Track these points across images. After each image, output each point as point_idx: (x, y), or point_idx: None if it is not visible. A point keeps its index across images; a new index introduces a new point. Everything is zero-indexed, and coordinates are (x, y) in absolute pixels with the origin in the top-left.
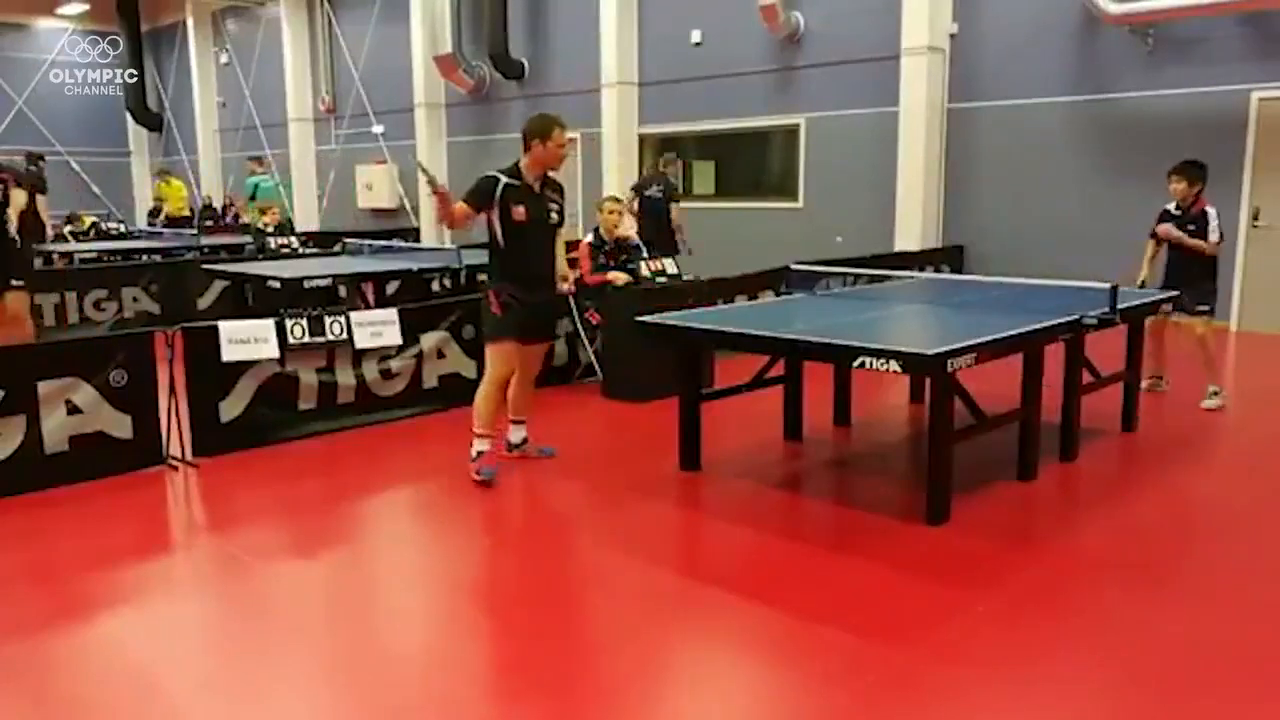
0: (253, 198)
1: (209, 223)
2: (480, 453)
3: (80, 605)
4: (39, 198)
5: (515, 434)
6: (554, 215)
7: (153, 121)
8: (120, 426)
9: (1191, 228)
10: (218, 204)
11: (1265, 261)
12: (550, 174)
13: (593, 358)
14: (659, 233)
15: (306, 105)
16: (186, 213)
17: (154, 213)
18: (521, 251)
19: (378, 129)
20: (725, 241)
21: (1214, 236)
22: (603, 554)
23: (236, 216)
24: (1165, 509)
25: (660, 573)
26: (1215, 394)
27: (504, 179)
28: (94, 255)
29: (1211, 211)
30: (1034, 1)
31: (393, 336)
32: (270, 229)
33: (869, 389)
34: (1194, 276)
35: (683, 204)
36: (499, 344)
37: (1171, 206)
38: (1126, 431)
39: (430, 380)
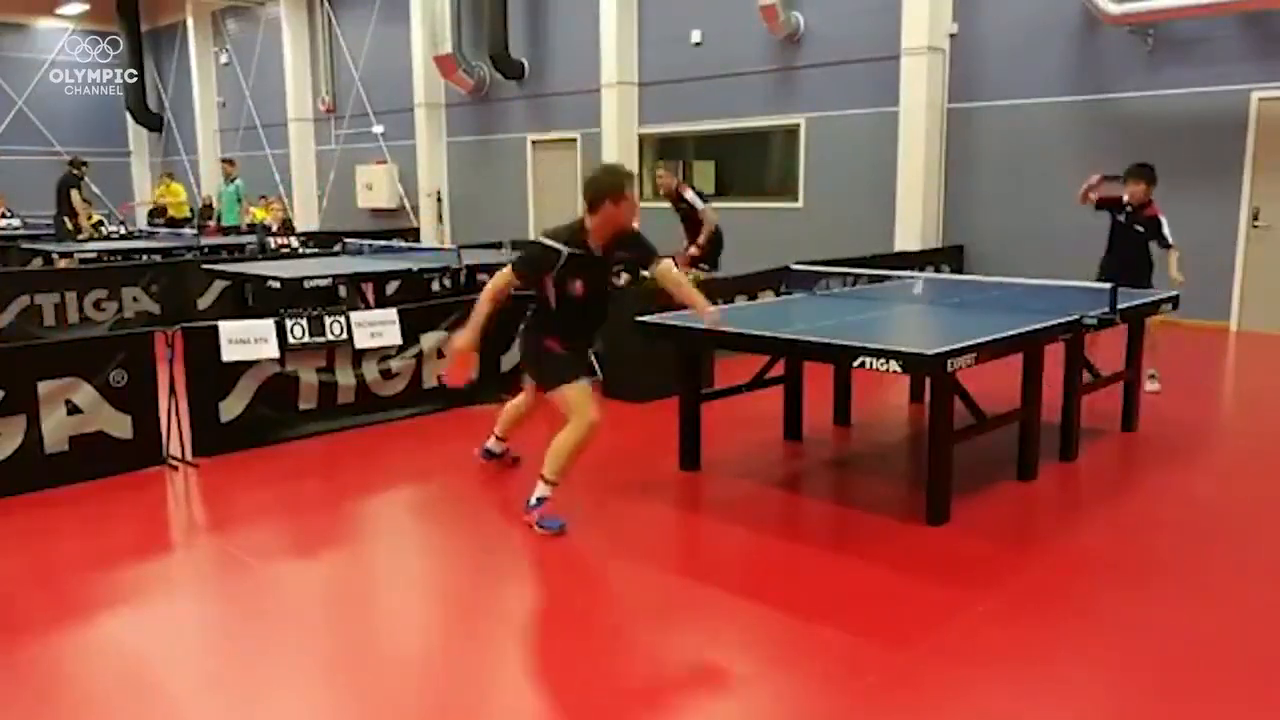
0: (238, 199)
1: (209, 223)
2: (542, 499)
3: (80, 605)
4: (73, 192)
5: (497, 446)
6: (620, 279)
7: (153, 121)
8: (120, 426)
9: (1140, 229)
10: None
11: (1265, 261)
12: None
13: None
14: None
15: (306, 105)
16: (187, 214)
17: (157, 213)
18: (578, 317)
19: (378, 129)
20: (725, 241)
21: (1172, 241)
22: (602, 554)
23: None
24: (1165, 509)
25: (660, 573)
26: (1151, 377)
27: (565, 251)
28: (94, 255)
29: (1163, 219)
30: (1034, 1)
31: (393, 336)
32: (274, 227)
33: (869, 389)
34: (1141, 267)
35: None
36: (575, 384)
37: (1124, 198)
38: (1126, 431)
39: (430, 380)
